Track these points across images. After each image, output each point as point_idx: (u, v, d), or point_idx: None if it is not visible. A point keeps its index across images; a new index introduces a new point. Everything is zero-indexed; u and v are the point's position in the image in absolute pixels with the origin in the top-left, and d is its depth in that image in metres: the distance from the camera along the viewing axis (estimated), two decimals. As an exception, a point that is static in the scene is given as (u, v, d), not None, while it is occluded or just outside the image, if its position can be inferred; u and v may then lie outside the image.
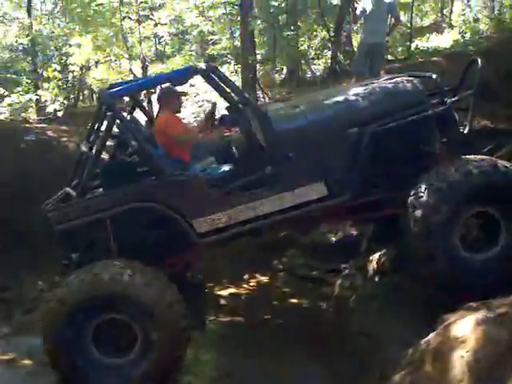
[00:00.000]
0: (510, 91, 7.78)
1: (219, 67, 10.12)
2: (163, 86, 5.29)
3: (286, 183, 4.65)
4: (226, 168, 5.10)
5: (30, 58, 15.68)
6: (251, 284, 6.89)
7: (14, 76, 14.91)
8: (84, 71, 15.14)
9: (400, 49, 13.02)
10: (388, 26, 8.64)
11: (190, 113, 12.47)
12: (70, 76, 15.30)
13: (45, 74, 14.30)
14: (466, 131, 4.92)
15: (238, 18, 12.22)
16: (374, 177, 4.93)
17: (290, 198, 4.65)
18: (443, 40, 13.55)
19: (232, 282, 6.86)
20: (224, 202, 4.63)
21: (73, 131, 9.54)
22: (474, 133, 5.24)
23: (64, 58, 15.30)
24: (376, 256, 5.75)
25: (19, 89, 13.36)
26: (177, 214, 4.56)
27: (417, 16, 17.46)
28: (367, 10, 8.22)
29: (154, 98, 8.34)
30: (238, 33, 12.91)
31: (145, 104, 11.03)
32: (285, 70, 14.07)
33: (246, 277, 7.01)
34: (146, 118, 5.95)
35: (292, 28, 12.17)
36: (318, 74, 13.19)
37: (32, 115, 13.69)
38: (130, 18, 13.45)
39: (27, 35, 14.49)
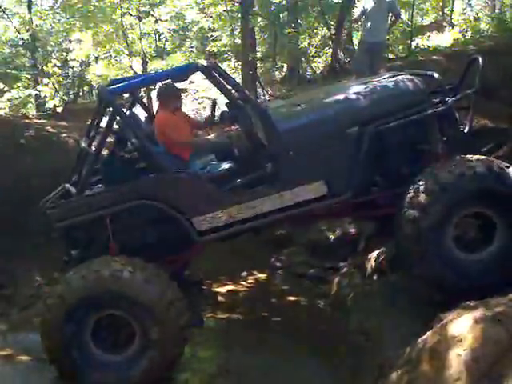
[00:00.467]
0: (510, 90, 7.79)
1: (219, 64, 10.12)
2: (163, 82, 5.28)
3: (287, 182, 4.64)
4: (226, 166, 5.09)
5: (29, 54, 15.66)
6: (249, 281, 6.89)
7: (14, 71, 14.87)
8: (84, 67, 15.12)
9: (400, 47, 13.01)
10: (388, 24, 8.63)
11: (189, 110, 12.47)
12: (70, 72, 15.28)
13: (45, 69, 14.26)
14: (466, 130, 4.91)
15: (239, 15, 12.21)
16: (374, 176, 4.94)
17: (290, 196, 4.64)
18: (444, 39, 13.54)
19: (230, 280, 6.86)
20: (224, 200, 4.63)
21: (72, 127, 9.53)
22: (474, 132, 5.22)
23: (64, 53, 15.29)
24: (374, 254, 5.75)
25: (19, 84, 13.33)
26: (176, 211, 4.56)
27: (417, 14, 17.42)
28: (368, 9, 8.21)
29: (154, 94, 8.34)
30: (238, 30, 12.89)
31: (144, 100, 11.01)
32: (285, 68, 14.06)
33: (244, 274, 7.01)
34: (145, 115, 5.95)
35: (293, 26, 12.15)
36: (318, 71, 13.18)
37: (31, 111, 13.68)
38: (130, 14, 13.44)
39: (27, 30, 14.46)
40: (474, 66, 5.03)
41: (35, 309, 6.10)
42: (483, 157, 4.44)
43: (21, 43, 15.81)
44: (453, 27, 14.81)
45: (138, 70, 13.02)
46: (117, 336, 4.39)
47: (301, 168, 4.62)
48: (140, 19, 13.19)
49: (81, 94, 18.23)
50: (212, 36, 16.00)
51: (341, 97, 4.91)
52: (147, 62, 13.68)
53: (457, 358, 2.82)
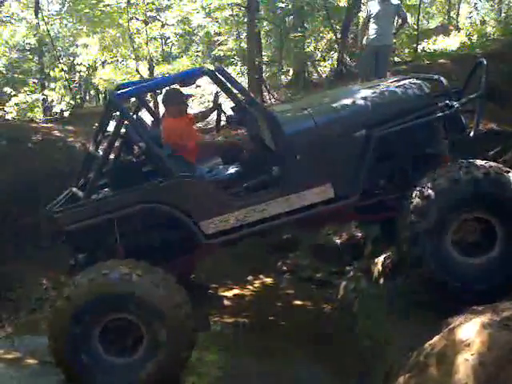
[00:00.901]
0: (517, 94, 7.77)
1: (225, 68, 10.12)
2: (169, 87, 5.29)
3: (294, 185, 4.64)
4: (232, 169, 5.09)
5: (37, 58, 15.74)
6: (255, 285, 6.89)
7: (21, 76, 14.95)
8: (91, 71, 15.18)
9: (407, 51, 13.01)
10: (394, 27, 8.64)
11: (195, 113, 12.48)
12: (77, 76, 15.35)
13: (52, 73, 14.34)
14: (472, 134, 4.90)
15: (245, 20, 12.24)
16: (381, 179, 4.94)
17: (297, 199, 4.65)
18: (450, 42, 13.54)
19: (236, 284, 6.86)
20: (231, 203, 4.64)
21: (79, 131, 9.57)
22: (480, 135, 5.21)
23: (71, 58, 15.37)
24: (381, 258, 5.74)
25: (26, 88, 13.40)
26: (184, 215, 4.57)
27: (424, 18, 17.42)
28: (373, 12, 8.21)
29: (161, 98, 8.37)
30: (244, 34, 12.92)
31: (150, 104, 11.03)
32: (291, 72, 14.07)
33: (250, 278, 7.01)
34: (151, 119, 5.97)
35: (298, 30, 12.17)
36: (324, 75, 13.19)
37: (38, 115, 13.75)
38: (137, 18, 13.48)
39: (34, 35, 14.54)
40: (480, 69, 5.02)
41: (42, 312, 6.13)
42: (482, 162, 4.40)
43: (28, 48, 15.90)
44: (459, 31, 14.81)
45: (145, 74, 13.05)
46: (124, 339, 4.39)
47: (308, 171, 4.62)
48: (146, 24, 13.22)
49: (87, 98, 18.31)
50: (218, 40, 16.03)
51: (347, 101, 4.91)
52: (154, 67, 13.72)
53: (464, 363, 2.81)
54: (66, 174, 7.26)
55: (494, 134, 6.88)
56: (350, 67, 12.12)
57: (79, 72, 15.03)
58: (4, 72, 14.79)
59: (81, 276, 4.35)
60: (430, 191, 4.29)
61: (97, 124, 5.42)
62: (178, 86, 5.29)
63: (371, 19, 8.32)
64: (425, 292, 4.54)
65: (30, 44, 15.40)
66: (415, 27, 13.28)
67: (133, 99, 6.56)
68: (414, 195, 4.38)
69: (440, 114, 4.75)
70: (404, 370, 3.37)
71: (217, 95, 5.59)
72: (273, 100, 11.90)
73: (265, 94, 12.04)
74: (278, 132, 4.62)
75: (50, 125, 10.55)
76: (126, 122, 4.79)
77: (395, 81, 5.19)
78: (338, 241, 7.16)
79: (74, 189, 5.10)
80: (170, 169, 4.58)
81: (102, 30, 13.16)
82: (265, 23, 12.90)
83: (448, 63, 9.49)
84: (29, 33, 14.89)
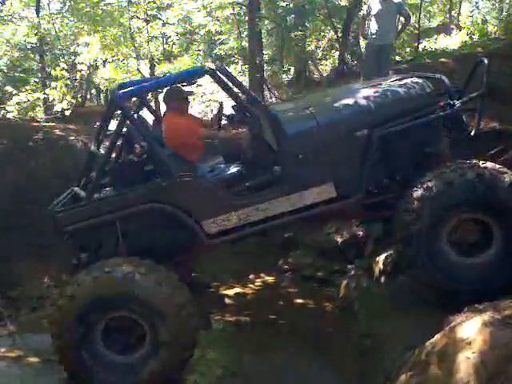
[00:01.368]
0: (518, 93, 7.75)
1: (227, 67, 10.10)
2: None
3: (296, 184, 4.65)
4: (234, 169, 5.10)
5: (38, 57, 15.73)
6: (257, 284, 6.90)
7: (23, 75, 14.94)
8: (92, 70, 15.17)
9: (408, 50, 13.00)
10: (396, 26, 8.62)
11: (196, 112, 12.49)
12: (78, 75, 15.32)
13: (53, 73, 14.32)
14: (473, 133, 4.91)
15: (246, 19, 12.23)
16: (382, 178, 4.95)
17: (299, 199, 4.65)
18: (451, 41, 13.52)
19: (238, 282, 6.87)
20: (233, 202, 4.64)
21: (80, 130, 9.57)
22: (482, 134, 5.21)
23: (72, 57, 15.35)
24: (382, 257, 5.74)
25: (27, 88, 13.39)
26: (186, 215, 4.57)
27: (425, 17, 17.41)
28: (375, 11, 8.19)
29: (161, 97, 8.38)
30: (245, 33, 12.91)
31: (151, 103, 11.05)
32: (292, 71, 14.07)
33: (251, 277, 7.02)
34: (153, 118, 5.97)
35: (300, 28, 12.16)
36: (325, 74, 13.19)
37: (40, 114, 13.74)
38: (138, 17, 13.47)
39: (35, 34, 14.53)
40: (481, 68, 5.03)
41: (43, 310, 6.14)
42: (479, 162, 4.39)
43: (29, 47, 15.89)
44: (460, 30, 14.79)
45: (146, 73, 13.05)
46: (127, 337, 4.40)
47: (309, 171, 4.63)
48: (147, 22, 13.22)
49: (88, 97, 18.29)
50: (219, 39, 16.02)
51: (349, 100, 4.91)
52: (155, 66, 13.72)
53: (465, 361, 2.81)
54: (67, 172, 7.28)
55: (495, 132, 6.87)
56: (351, 66, 12.12)
57: (80, 71, 14.99)
58: (5, 71, 14.79)
59: (84, 274, 4.36)
60: (424, 193, 4.32)
61: (98, 123, 5.42)
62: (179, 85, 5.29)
63: (372, 18, 8.31)
64: (424, 291, 4.56)
65: (31, 43, 15.37)
66: (416, 26, 13.26)
67: (134, 98, 6.55)
68: (408, 196, 4.41)
69: (441, 114, 4.75)
70: (405, 369, 3.38)
71: (221, 105, 5.59)
72: (274, 99, 11.89)
73: (266, 92, 12.03)
74: (279, 131, 4.63)
75: (51, 124, 10.55)
76: (127, 121, 4.80)
77: (397, 80, 5.19)
78: (340, 239, 7.16)
79: (76, 188, 5.11)
80: (171, 168, 4.59)
81: (103, 28, 13.16)
82: (266, 22, 12.89)
83: (449, 62, 9.46)
84: (30, 32, 14.87)
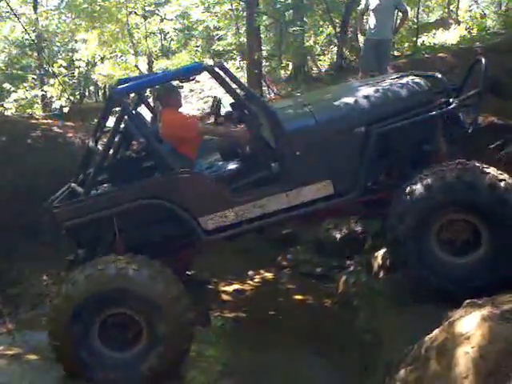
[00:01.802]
0: (518, 87, 7.74)
1: (225, 63, 10.08)
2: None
3: (293, 181, 4.66)
4: (232, 165, 5.09)
5: (36, 54, 15.71)
6: (256, 280, 6.89)
7: (20, 72, 14.93)
8: (90, 67, 15.16)
9: (406, 44, 12.98)
10: (394, 21, 8.60)
11: (195, 109, 12.47)
12: (76, 72, 15.31)
13: (51, 69, 14.31)
14: (470, 130, 4.91)
15: (244, 14, 12.21)
16: (380, 176, 4.96)
17: (297, 196, 4.66)
18: (450, 36, 13.50)
19: (237, 279, 6.86)
20: (231, 199, 4.64)
21: (78, 127, 9.56)
22: (482, 129, 5.21)
23: (70, 53, 15.34)
24: (381, 253, 5.74)
25: (25, 85, 13.38)
26: (183, 211, 4.57)
27: (423, 12, 17.38)
28: (373, 6, 8.16)
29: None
30: (243, 29, 12.88)
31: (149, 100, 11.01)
32: (291, 66, 14.04)
33: (250, 273, 7.02)
34: (150, 114, 5.95)
35: (298, 24, 12.13)
36: (323, 70, 13.16)
37: (38, 111, 13.73)
38: (135, 13, 13.47)
39: (33, 31, 14.50)
40: (478, 66, 5.02)
41: (43, 308, 6.13)
42: (460, 163, 4.39)
43: (27, 44, 15.87)
44: (459, 24, 14.77)
45: (144, 69, 13.04)
46: (124, 334, 4.39)
47: (307, 168, 4.64)
48: (145, 18, 13.22)
49: (87, 94, 18.27)
50: (217, 35, 16.00)
51: (347, 98, 4.92)
52: (153, 62, 13.71)
53: (464, 356, 2.81)
54: (66, 169, 7.25)
55: (495, 127, 6.86)
56: (350, 61, 12.09)
57: (78, 68, 14.99)
58: (3, 68, 14.77)
59: (77, 272, 4.36)
60: (406, 196, 4.38)
61: (96, 119, 5.41)
62: (175, 81, 5.28)
63: (371, 13, 8.29)
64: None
65: (28, 40, 15.34)
66: (415, 21, 13.24)
67: (132, 95, 6.53)
68: (395, 199, 4.47)
69: (439, 112, 4.75)
70: (404, 364, 3.38)
71: (218, 100, 5.57)
72: (272, 95, 11.88)
73: (264, 88, 12.01)
74: (278, 128, 4.63)
75: (49, 121, 10.53)
76: (126, 117, 4.79)
77: (395, 78, 5.19)
78: (338, 235, 7.16)
79: (73, 184, 5.11)
80: (169, 164, 4.58)
81: (100, 25, 13.14)
82: (264, 17, 12.85)
83: (448, 57, 9.44)
84: (27, 28, 14.85)
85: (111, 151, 5.24)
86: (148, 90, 11.51)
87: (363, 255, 6.37)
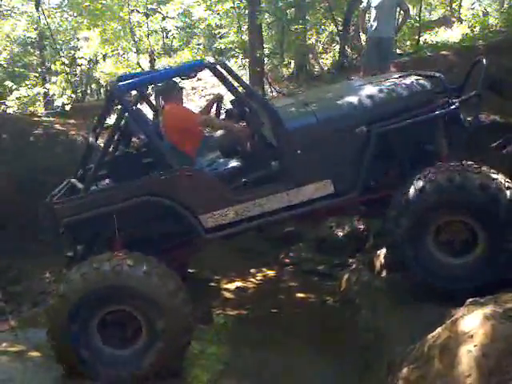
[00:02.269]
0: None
1: (227, 61, 10.07)
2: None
3: (294, 180, 4.67)
4: (233, 163, 5.09)
5: (38, 52, 15.70)
6: (258, 278, 6.89)
7: (22, 70, 14.92)
8: (92, 65, 15.15)
9: (409, 43, 12.95)
10: (396, 19, 8.58)
11: (197, 106, 12.46)
12: (78, 70, 15.31)
13: (53, 67, 14.31)
14: (470, 130, 4.91)
15: (246, 12, 12.19)
16: (381, 175, 4.96)
17: (297, 194, 4.66)
18: (452, 34, 13.46)
19: (239, 276, 6.86)
20: (231, 197, 4.64)
21: (80, 125, 9.56)
22: (483, 127, 5.20)
23: (72, 51, 15.33)
24: (383, 251, 5.73)
25: (27, 82, 13.37)
26: (184, 208, 4.57)
27: (425, 10, 17.33)
28: (375, 4, 8.14)
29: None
30: (245, 27, 12.86)
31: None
32: (292, 65, 14.02)
33: (252, 271, 7.02)
34: (151, 111, 5.95)
35: (300, 22, 12.11)
36: (325, 68, 13.14)
37: (40, 109, 13.73)
38: (138, 11, 13.45)
39: (35, 29, 14.50)
40: (478, 66, 5.02)
41: (45, 305, 6.13)
42: (452, 165, 4.40)
43: (29, 42, 15.85)
44: (461, 22, 14.70)
45: (146, 67, 13.03)
46: (124, 331, 4.39)
47: (308, 167, 4.64)
48: (147, 16, 13.21)
49: (89, 91, 18.26)
50: (219, 33, 15.98)
51: (349, 97, 4.92)
52: (155, 60, 13.70)
53: (467, 354, 2.81)
54: (67, 167, 7.25)
55: (497, 126, 6.85)
56: (352, 59, 12.07)
57: (80, 65, 14.99)
58: (5, 66, 14.77)
59: (73, 271, 4.36)
60: (401, 200, 4.41)
61: (98, 116, 5.41)
62: (178, 79, 5.28)
63: (372, 11, 8.27)
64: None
65: (30, 38, 15.34)
66: (417, 19, 13.20)
67: (133, 92, 6.53)
68: (392, 202, 4.50)
69: (440, 112, 4.75)
70: (407, 362, 3.38)
71: (219, 97, 5.57)
72: (274, 93, 11.87)
73: (266, 86, 12.00)
74: (279, 127, 4.63)
75: (51, 118, 10.54)
76: (126, 114, 4.78)
77: (397, 77, 5.19)
78: (341, 233, 7.17)
79: (73, 180, 5.11)
80: (170, 162, 4.58)
81: (102, 23, 13.13)
82: (266, 15, 12.82)
83: (450, 55, 9.41)
84: (30, 26, 14.85)
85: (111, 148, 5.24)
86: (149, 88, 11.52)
87: (365, 253, 6.37)
